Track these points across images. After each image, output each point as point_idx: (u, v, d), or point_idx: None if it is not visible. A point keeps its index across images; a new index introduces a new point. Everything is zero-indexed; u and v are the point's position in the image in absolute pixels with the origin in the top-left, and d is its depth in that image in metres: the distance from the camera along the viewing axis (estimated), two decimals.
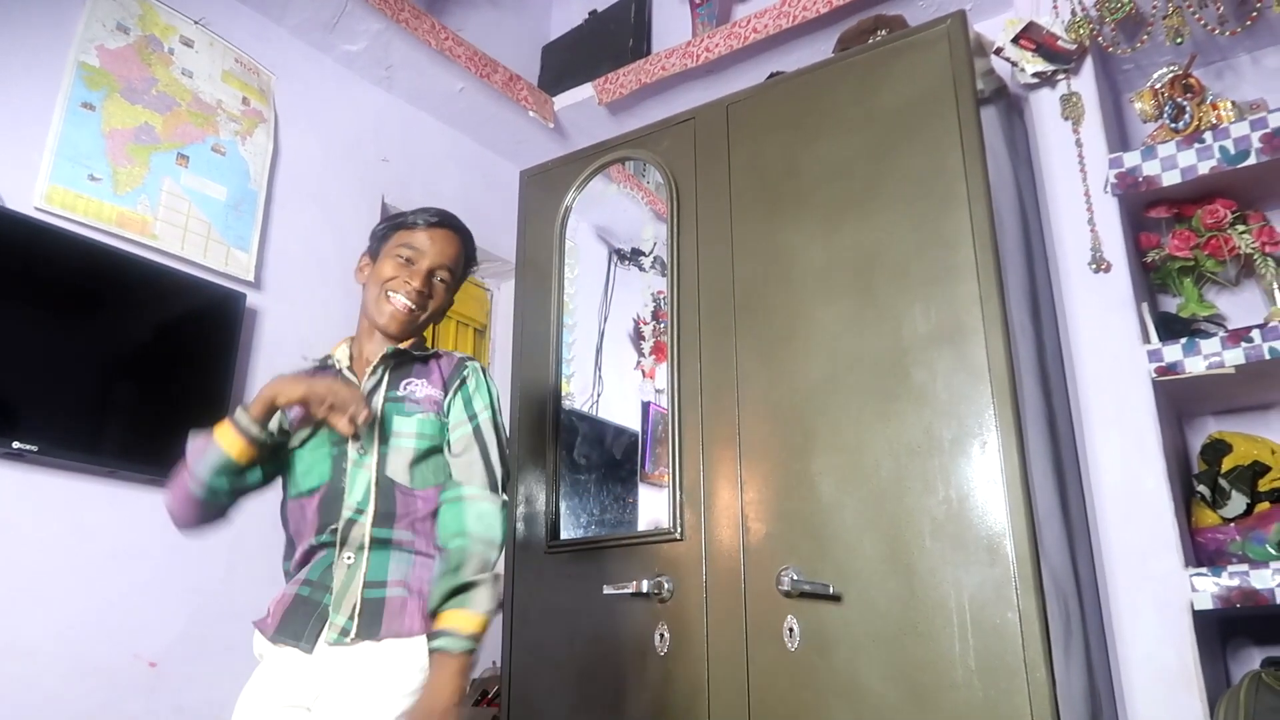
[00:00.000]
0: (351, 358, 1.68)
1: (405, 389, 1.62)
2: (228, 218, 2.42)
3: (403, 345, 1.66)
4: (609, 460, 2.81)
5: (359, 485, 1.54)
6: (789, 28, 2.70)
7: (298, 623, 1.49)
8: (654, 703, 2.05)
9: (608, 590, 2.15)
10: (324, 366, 1.68)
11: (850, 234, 2.08)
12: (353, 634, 1.45)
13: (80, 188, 2.14)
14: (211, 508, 1.57)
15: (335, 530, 1.53)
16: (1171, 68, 2.24)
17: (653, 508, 2.76)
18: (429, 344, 1.75)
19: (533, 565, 2.34)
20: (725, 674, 1.96)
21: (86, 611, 2.01)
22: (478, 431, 1.62)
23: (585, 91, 3.15)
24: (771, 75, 2.69)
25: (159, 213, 2.27)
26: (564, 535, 2.37)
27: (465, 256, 1.75)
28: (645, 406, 3.02)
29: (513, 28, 3.53)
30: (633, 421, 2.97)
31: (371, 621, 1.46)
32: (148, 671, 2.07)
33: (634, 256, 3.21)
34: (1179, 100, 2.20)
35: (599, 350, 3.02)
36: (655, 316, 3.09)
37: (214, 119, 2.45)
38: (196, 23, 2.47)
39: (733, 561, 2.02)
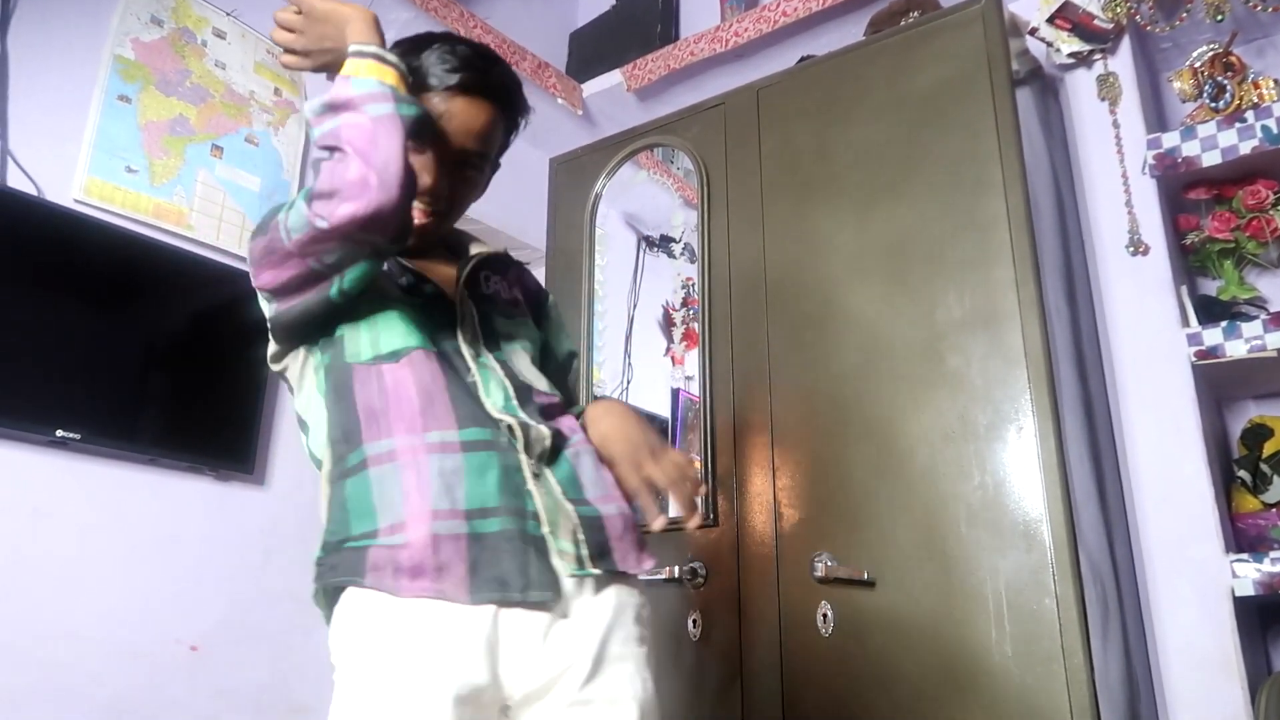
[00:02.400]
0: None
1: (489, 285, 1.27)
2: (262, 208, 2.44)
3: (481, 250, 1.26)
4: None
5: (493, 385, 1.13)
6: (819, 10, 2.68)
7: (513, 570, 1.01)
8: (688, 689, 2.06)
9: (641, 576, 2.15)
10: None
11: (883, 219, 2.06)
12: (593, 563, 1.07)
13: (117, 179, 2.17)
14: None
15: (499, 427, 1.08)
16: (1211, 46, 2.19)
17: None
18: None
19: None
20: (759, 660, 1.97)
21: (128, 596, 2.04)
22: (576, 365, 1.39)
23: (613, 78, 3.14)
24: (802, 59, 2.66)
25: (194, 203, 2.30)
26: None
27: (506, 122, 1.23)
28: (675, 393, 3.02)
29: (540, 15, 3.53)
30: (663, 408, 2.97)
31: (600, 550, 1.09)
32: (189, 655, 2.11)
33: (663, 243, 3.20)
34: (1219, 79, 2.15)
35: (628, 337, 3.02)
36: (685, 303, 3.09)
37: (247, 110, 2.47)
38: (228, 14, 2.49)
39: (766, 548, 2.02)
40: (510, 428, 1.08)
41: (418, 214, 1.14)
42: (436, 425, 1.06)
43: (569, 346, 1.40)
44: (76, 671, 1.93)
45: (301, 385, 1.19)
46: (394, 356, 1.10)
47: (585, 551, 1.06)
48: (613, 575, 1.11)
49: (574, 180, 2.70)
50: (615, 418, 1.22)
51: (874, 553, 1.88)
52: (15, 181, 2.01)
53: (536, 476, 1.08)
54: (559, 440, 1.13)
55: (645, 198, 3.05)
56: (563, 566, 1.05)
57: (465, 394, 1.10)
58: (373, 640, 1.00)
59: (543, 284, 1.41)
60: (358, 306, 1.11)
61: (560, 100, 3.16)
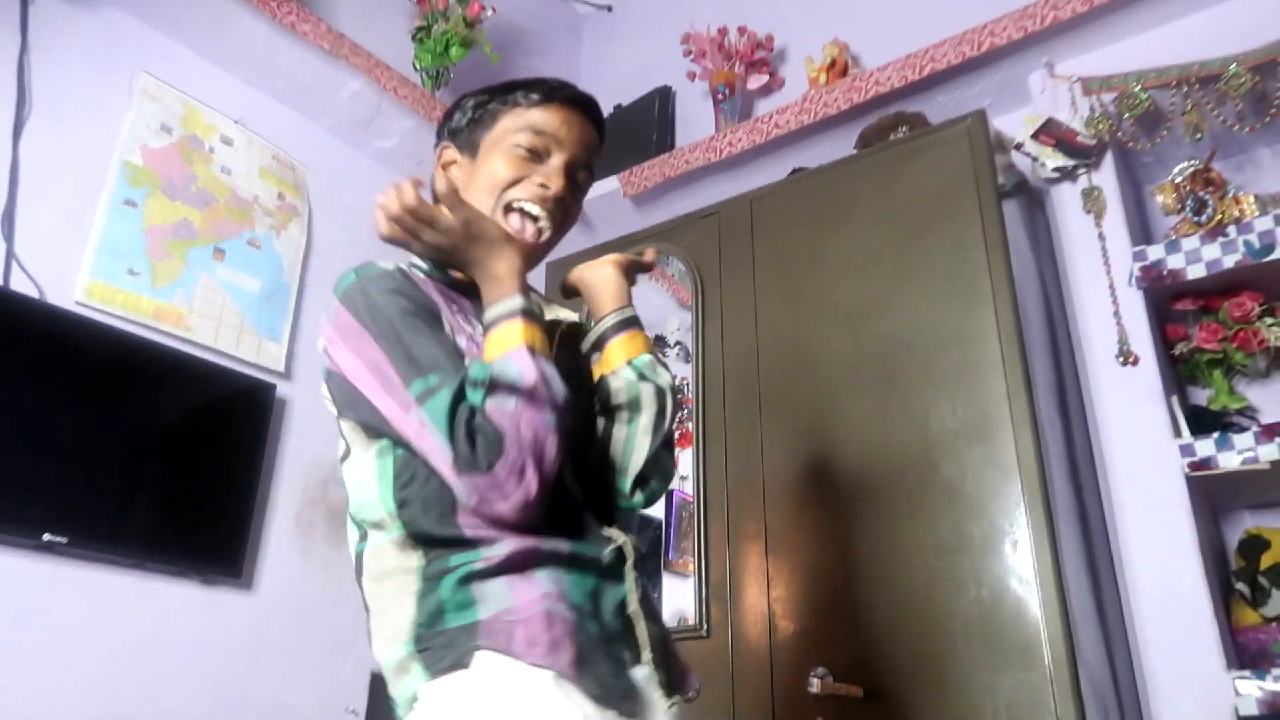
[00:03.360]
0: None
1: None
2: (260, 309, 2.46)
3: (568, 317, 1.21)
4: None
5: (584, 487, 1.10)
6: (810, 124, 2.76)
7: (608, 671, 0.97)
8: None
9: None
10: (459, 288, 1.16)
11: (874, 328, 2.09)
12: (671, 690, 1.04)
13: (119, 282, 2.20)
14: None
15: (610, 540, 1.05)
16: (1192, 162, 2.25)
17: (677, 598, 2.72)
18: None
19: None
20: None
21: (112, 703, 1.99)
22: None
23: (610, 184, 3.21)
24: (794, 171, 2.74)
25: (194, 305, 2.32)
26: None
27: (600, 143, 1.26)
28: (669, 494, 3.01)
29: None
30: (656, 510, 2.95)
31: (674, 670, 1.07)
32: None
33: (658, 345, 3.23)
34: (1201, 194, 2.21)
35: None
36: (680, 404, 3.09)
37: (250, 214, 2.51)
38: (236, 122, 2.56)
39: (761, 660, 1.99)
40: (614, 542, 1.05)
41: (522, 223, 1.15)
42: (540, 534, 1.00)
43: None
44: None
45: None
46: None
47: (668, 678, 1.04)
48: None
49: None
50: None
51: (871, 667, 1.84)
52: (18, 284, 2.03)
53: (622, 591, 1.04)
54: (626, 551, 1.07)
55: (640, 299, 3.07)
56: (651, 688, 1.01)
57: (563, 496, 1.04)
58: (505, 703, 0.91)
59: None
60: None
61: None
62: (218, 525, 2.23)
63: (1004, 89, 2.59)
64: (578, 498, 1.08)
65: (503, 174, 1.16)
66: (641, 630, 1.03)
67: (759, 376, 2.23)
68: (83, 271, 2.15)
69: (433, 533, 1.00)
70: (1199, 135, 2.21)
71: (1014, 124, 2.44)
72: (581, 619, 0.98)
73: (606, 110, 3.52)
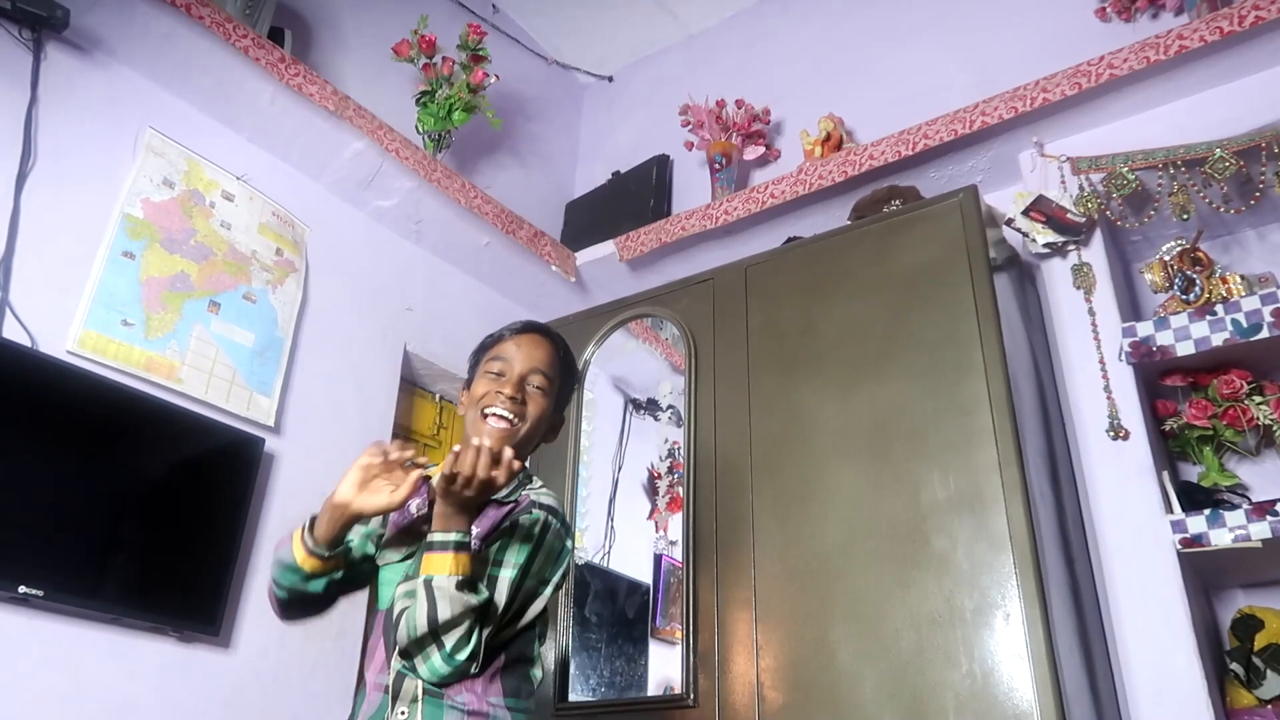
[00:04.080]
0: None
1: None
2: (253, 363, 2.46)
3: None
4: (620, 617, 2.75)
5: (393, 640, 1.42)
6: (804, 194, 2.81)
7: None
8: None
9: None
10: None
11: (867, 397, 2.10)
12: None
13: (112, 332, 2.19)
14: (286, 604, 1.49)
15: (386, 684, 1.39)
16: (1179, 241, 2.29)
17: (664, 665, 2.67)
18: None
19: None
20: None
21: None
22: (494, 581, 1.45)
23: (607, 248, 3.25)
24: (789, 240, 2.77)
25: (187, 357, 2.32)
26: (573, 697, 2.30)
27: (562, 362, 1.61)
28: (658, 559, 2.97)
29: (538, 186, 3.68)
30: (644, 573, 2.92)
31: None
32: None
33: (650, 407, 3.23)
34: (1188, 273, 2.24)
35: (612, 500, 3.00)
36: (671, 468, 3.08)
37: (247, 268, 2.53)
38: (239, 179, 2.58)
39: None
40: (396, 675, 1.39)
41: (490, 427, 1.49)
42: (373, 670, 1.44)
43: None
44: None
45: None
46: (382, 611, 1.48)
47: None
48: None
49: None
50: None
51: None
52: (10, 332, 2.03)
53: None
54: (435, 692, 1.37)
55: (634, 363, 3.09)
56: None
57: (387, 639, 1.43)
58: None
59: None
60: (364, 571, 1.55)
61: (554, 267, 3.25)
62: (197, 580, 2.19)
63: (995, 166, 2.65)
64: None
65: (479, 393, 1.55)
66: None
67: (751, 442, 2.23)
68: (76, 321, 2.14)
69: None
70: (1186, 215, 2.25)
71: (1005, 200, 2.48)
72: None
73: (605, 176, 3.59)
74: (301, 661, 2.37)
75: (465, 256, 3.19)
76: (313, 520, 1.44)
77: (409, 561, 1.47)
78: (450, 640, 1.30)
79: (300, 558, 1.42)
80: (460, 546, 1.33)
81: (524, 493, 1.53)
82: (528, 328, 1.61)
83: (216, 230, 2.49)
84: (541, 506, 1.48)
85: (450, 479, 1.31)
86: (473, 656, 1.32)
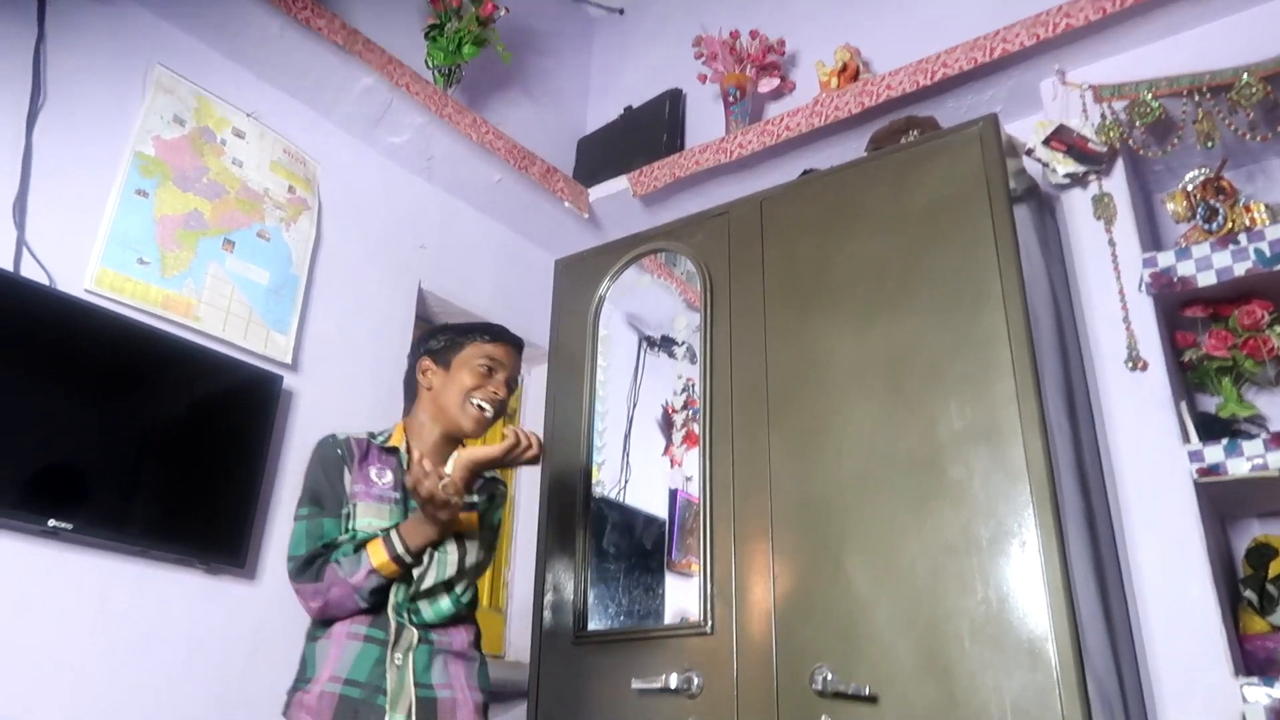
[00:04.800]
0: (408, 451, 1.80)
1: None
2: (269, 301, 2.46)
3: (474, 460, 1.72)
4: (637, 549, 2.78)
5: (401, 591, 1.67)
6: (820, 126, 2.76)
7: None
8: None
9: (636, 685, 2.10)
10: (384, 449, 1.80)
11: (883, 331, 2.09)
12: None
13: (129, 271, 2.20)
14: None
15: (388, 629, 1.63)
16: (1203, 170, 2.26)
17: (679, 598, 2.71)
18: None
19: (560, 655, 2.30)
20: None
21: (110, 694, 1.98)
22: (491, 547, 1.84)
23: (620, 184, 3.22)
24: (805, 172, 2.74)
25: (203, 295, 2.32)
26: (592, 626, 2.34)
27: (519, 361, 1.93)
28: (673, 494, 3.00)
29: (550, 122, 3.64)
30: (660, 509, 2.95)
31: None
32: None
33: (665, 344, 3.23)
34: (1211, 202, 2.21)
35: (627, 436, 3.02)
36: (686, 404, 3.09)
37: (260, 206, 2.52)
38: (249, 115, 2.56)
39: (765, 658, 1.98)
40: (397, 626, 1.64)
41: (478, 417, 1.79)
42: (358, 621, 1.64)
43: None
44: None
45: None
46: None
47: None
48: None
49: (578, 282, 2.74)
50: None
51: (876, 667, 1.84)
52: (29, 270, 2.03)
53: (399, 666, 1.60)
54: (427, 638, 1.67)
55: (648, 299, 3.08)
56: None
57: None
58: None
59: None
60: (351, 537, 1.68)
61: (567, 203, 3.23)
62: (222, 514, 2.23)
63: (1016, 95, 2.60)
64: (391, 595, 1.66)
65: (469, 382, 1.79)
66: (391, 691, 1.58)
67: (767, 377, 2.23)
68: (93, 259, 2.15)
69: None
70: (1210, 144, 2.21)
71: (1025, 129, 2.44)
72: (348, 689, 1.57)
73: (617, 112, 3.55)
74: None
75: (478, 193, 3.17)
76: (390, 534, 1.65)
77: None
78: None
79: (389, 570, 1.64)
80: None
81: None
82: (516, 344, 1.89)
83: (228, 168, 2.48)
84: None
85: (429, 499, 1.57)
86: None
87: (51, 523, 1.90)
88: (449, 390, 1.80)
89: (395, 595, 1.66)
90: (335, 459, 1.74)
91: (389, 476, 1.75)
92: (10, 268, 2.01)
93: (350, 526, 1.68)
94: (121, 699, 2.00)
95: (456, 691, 1.67)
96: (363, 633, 1.63)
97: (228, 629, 2.21)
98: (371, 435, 1.82)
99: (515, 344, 1.89)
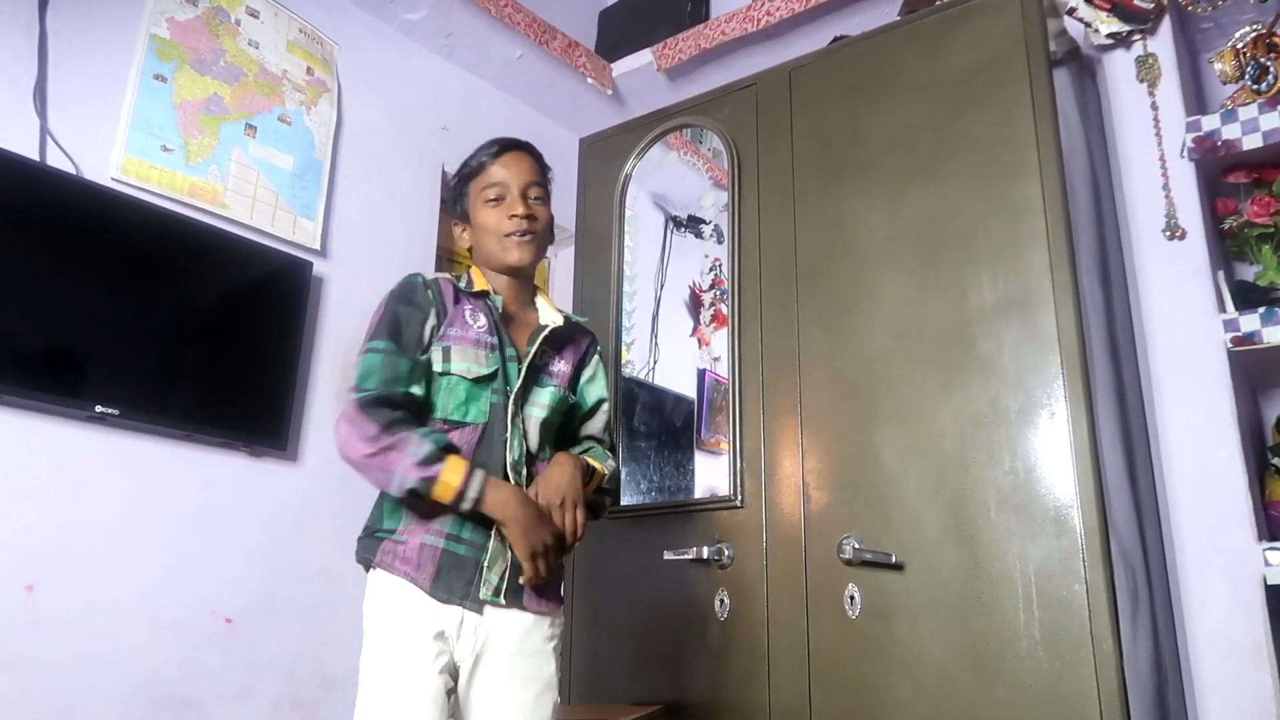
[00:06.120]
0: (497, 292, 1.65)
1: (544, 359, 1.65)
2: (294, 187, 2.46)
3: (555, 320, 1.66)
4: (667, 427, 2.83)
5: (515, 447, 1.55)
6: None
7: (461, 582, 1.48)
8: (714, 668, 2.08)
9: (668, 556, 2.17)
10: (473, 294, 1.63)
11: (915, 202, 2.05)
12: (504, 596, 1.49)
13: (154, 158, 2.19)
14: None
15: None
16: (1255, 26, 2.14)
17: (708, 475, 2.77)
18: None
19: (594, 529, 2.37)
20: (785, 641, 1.98)
21: (165, 569, 2.08)
22: (610, 411, 1.76)
23: (644, 58, 3.13)
24: (835, 39, 2.64)
25: (229, 182, 2.32)
26: (624, 500, 2.40)
27: (540, 166, 1.72)
28: (701, 374, 3.03)
29: None
30: (688, 389, 2.98)
31: (515, 588, 1.50)
32: (224, 627, 2.15)
33: (692, 224, 3.20)
34: (1262, 60, 2.11)
35: (655, 317, 3.03)
36: (713, 284, 3.08)
37: (280, 89, 2.48)
38: None
39: (793, 529, 2.03)
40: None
41: (518, 245, 1.62)
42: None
43: (598, 395, 1.74)
44: (115, 642, 1.97)
45: None
46: (453, 424, 1.54)
47: (504, 586, 1.50)
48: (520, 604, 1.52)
49: (603, 161, 2.70)
50: (549, 474, 1.56)
51: (902, 536, 1.88)
52: (54, 160, 2.03)
53: (500, 533, 1.50)
54: None
55: (674, 178, 3.04)
56: (484, 588, 1.49)
57: (488, 453, 1.53)
58: (378, 598, 1.51)
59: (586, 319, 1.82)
60: (440, 380, 1.55)
61: (590, 80, 3.15)
62: (262, 399, 2.28)
63: None
64: (506, 451, 1.54)
65: (490, 223, 1.64)
66: (490, 551, 1.50)
67: (796, 252, 2.21)
68: (117, 147, 2.14)
69: None
70: None
71: None
72: (452, 544, 1.49)
73: None
74: None
75: (498, 71, 3.09)
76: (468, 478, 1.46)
77: (495, 379, 1.57)
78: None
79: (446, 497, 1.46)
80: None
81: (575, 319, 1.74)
82: (506, 147, 1.68)
83: (245, 49, 2.43)
84: (594, 339, 1.78)
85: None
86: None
87: (98, 408, 1.96)
88: (482, 239, 1.66)
89: (511, 452, 1.54)
90: (424, 300, 1.57)
91: (483, 320, 1.60)
92: (36, 157, 2.01)
93: (445, 367, 1.54)
94: (175, 574, 2.10)
95: None
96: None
97: (273, 507, 2.30)
98: (455, 278, 1.66)
99: (509, 148, 1.69)
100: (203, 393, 2.21)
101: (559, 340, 1.68)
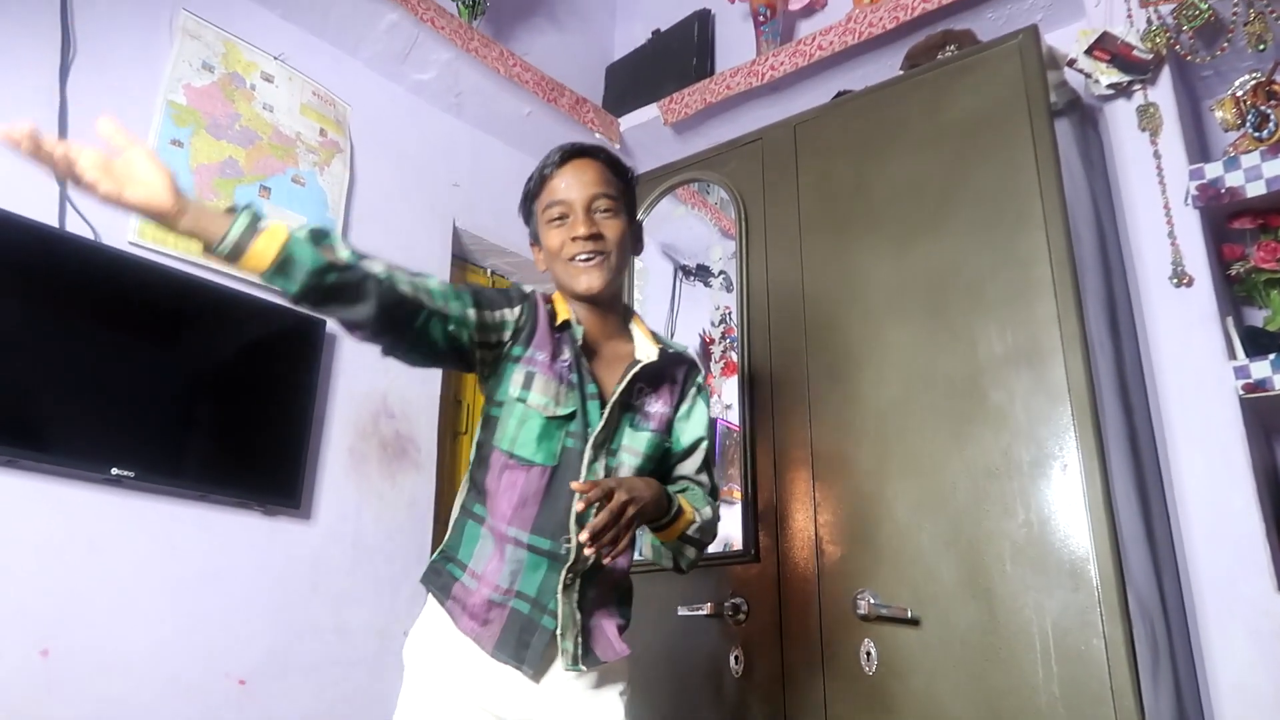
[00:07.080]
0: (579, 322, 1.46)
1: (640, 399, 1.47)
2: None
3: (650, 355, 1.47)
4: None
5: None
6: (854, 44, 2.69)
7: (521, 645, 1.34)
8: None
9: (682, 611, 2.16)
10: (560, 326, 1.44)
11: (922, 253, 2.06)
12: (581, 661, 1.36)
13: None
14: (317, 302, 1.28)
15: (568, 544, 1.36)
16: (1254, 74, 2.17)
17: (722, 524, 2.76)
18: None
19: None
20: (801, 698, 1.96)
21: (179, 631, 2.08)
22: (709, 450, 1.58)
23: (650, 112, 3.18)
24: (839, 94, 2.68)
25: None
26: (637, 557, 2.39)
27: (614, 172, 1.50)
28: (713, 422, 3.02)
29: (577, 49, 3.58)
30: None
31: (589, 648, 1.38)
32: (237, 688, 2.14)
33: (700, 273, 3.22)
34: (1262, 108, 2.13)
35: None
36: (724, 334, 3.10)
37: (294, 151, 2.53)
38: (276, 58, 2.55)
39: (808, 584, 2.02)
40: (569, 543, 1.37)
41: (585, 270, 1.43)
42: (518, 525, 1.38)
43: (695, 435, 1.56)
44: (129, 705, 1.97)
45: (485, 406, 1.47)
46: (519, 461, 1.38)
47: (579, 651, 1.37)
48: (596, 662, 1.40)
49: None
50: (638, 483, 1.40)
51: (917, 590, 1.87)
52: (73, 226, 2.07)
53: (567, 587, 1.37)
54: (599, 562, 1.38)
55: (682, 229, 3.07)
56: (562, 660, 1.36)
57: (554, 500, 1.38)
58: (430, 639, 1.40)
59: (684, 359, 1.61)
60: (513, 405, 1.39)
61: (598, 134, 3.20)
62: (276, 458, 2.29)
63: (1056, 3, 2.51)
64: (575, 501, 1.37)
65: (554, 245, 1.46)
66: (564, 613, 1.36)
67: (804, 304, 2.22)
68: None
69: (473, 475, 1.45)
70: (1263, 46, 2.13)
71: (1067, 39, 2.36)
72: (518, 602, 1.36)
73: (645, 36, 3.47)
74: (377, 529, 2.50)
75: (508, 127, 3.14)
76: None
77: (573, 420, 1.39)
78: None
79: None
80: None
81: (671, 349, 1.54)
82: (566, 155, 1.47)
83: (260, 113, 2.48)
84: (695, 368, 1.61)
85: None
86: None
87: (114, 471, 1.98)
88: (552, 264, 1.48)
89: (579, 502, 1.36)
90: (517, 299, 1.42)
91: (566, 354, 1.42)
92: (55, 224, 2.05)
93: (523, 395, 1.37)
94: (189, 635, 2.10)
95: (603, 619, 1.44)
96: (526, 540, 1.36)
97: (287, 566, 2.30)
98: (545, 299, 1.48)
99: (571, 156, 1.48)
100: (217, 452, 2.22)
101: (656, 376, 1.49)
